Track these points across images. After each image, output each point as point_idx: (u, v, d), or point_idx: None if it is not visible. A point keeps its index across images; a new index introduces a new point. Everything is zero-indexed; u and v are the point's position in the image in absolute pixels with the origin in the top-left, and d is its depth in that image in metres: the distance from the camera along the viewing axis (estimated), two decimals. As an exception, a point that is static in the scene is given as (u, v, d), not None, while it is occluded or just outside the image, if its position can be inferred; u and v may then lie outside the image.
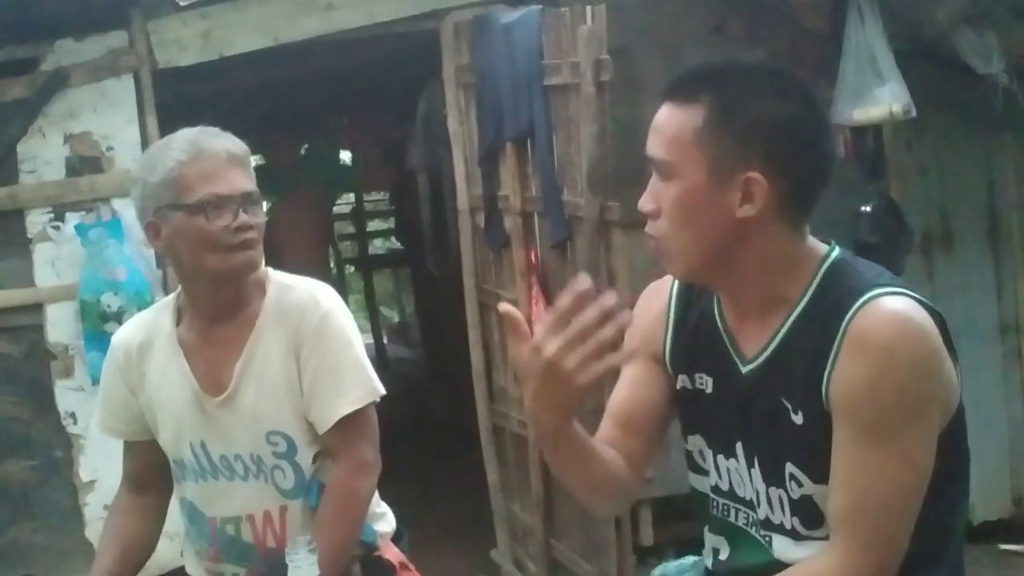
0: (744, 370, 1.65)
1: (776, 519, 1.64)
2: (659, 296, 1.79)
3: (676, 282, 1.76)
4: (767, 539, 1.66)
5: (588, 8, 3.54)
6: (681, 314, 1.75)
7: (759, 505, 1.66)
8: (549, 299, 3.93)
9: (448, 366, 6.61)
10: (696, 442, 1.75)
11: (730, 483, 1.70)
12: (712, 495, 1.74)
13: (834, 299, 1.56)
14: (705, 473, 1.74)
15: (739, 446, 1.67)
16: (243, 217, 2.09)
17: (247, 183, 2.12)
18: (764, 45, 4.36)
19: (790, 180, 1.55)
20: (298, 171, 6.19)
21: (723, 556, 1.74)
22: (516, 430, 4.35)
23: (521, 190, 4.06)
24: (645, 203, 1.61)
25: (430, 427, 7.18)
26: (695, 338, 1.72)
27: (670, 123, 1.58)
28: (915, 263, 4.38)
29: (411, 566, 2.34)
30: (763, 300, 1.62)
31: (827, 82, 3.99)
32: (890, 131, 4.22)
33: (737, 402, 1.66)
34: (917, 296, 1.56)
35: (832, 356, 1.53)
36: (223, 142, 2.12)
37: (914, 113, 3.85)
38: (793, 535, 1.63)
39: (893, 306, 1.52)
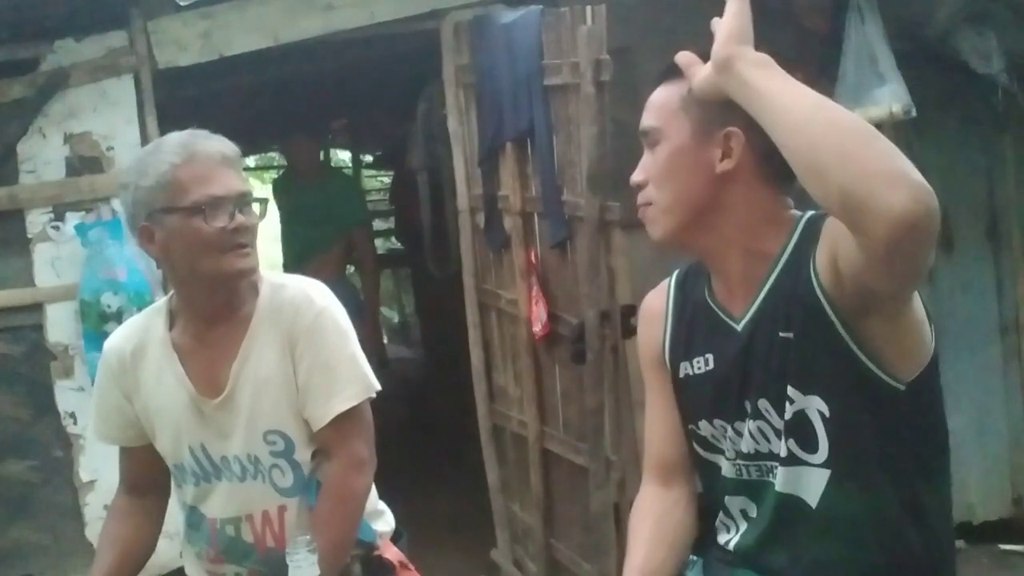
0: (739, 328, 1.73)
1: (774, 448, 1.70)
2: (658, 298, 1.91)
3: (673, 279, 1.90)
4: (773, 472, 1.71)
5: (588, 8, 3.54)
6: (679, 307, 1.86)
7: (769, 442, 1.72)
8: (549, 299, 3.94)
9: (448, 366, 6.61)
10: (706, 427, 1.82)
11: (754, 444, 1.74)
12: (736, 462, 1.78)
13: (810, 237, 1.65)
14: (721, 452, 1.80)
15: (747, 404, 1.73)
16: (240, 218, 2.09)
17: (241, 183, 2.11)
18: (764, 45, 4.35)
19: (767, 141, 1.62)
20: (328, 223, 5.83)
21: (752, 514, 1.77)
22: (516, 430, 4.35)
23: (521, 190, 4.06)
24: (636, 175, 1.77)
25: (430, 427, 7.18)
26: (692, 326, 1.83)
27: (659, 96, 1.77)
28: (915, 263, 4.37)
29: (411, 565, 2.35)
30: (744, 260, 1.72)
31: (827, 82, 3.99)
32: (890, 131, 4.21)
33: (738, 361, 1.73)
34: None
35: (812, 257, 1.62)
36: (215, 144, 2.12)
37: (914, 113, 3.86)
38: (791, 461, 1.68)
39: None
